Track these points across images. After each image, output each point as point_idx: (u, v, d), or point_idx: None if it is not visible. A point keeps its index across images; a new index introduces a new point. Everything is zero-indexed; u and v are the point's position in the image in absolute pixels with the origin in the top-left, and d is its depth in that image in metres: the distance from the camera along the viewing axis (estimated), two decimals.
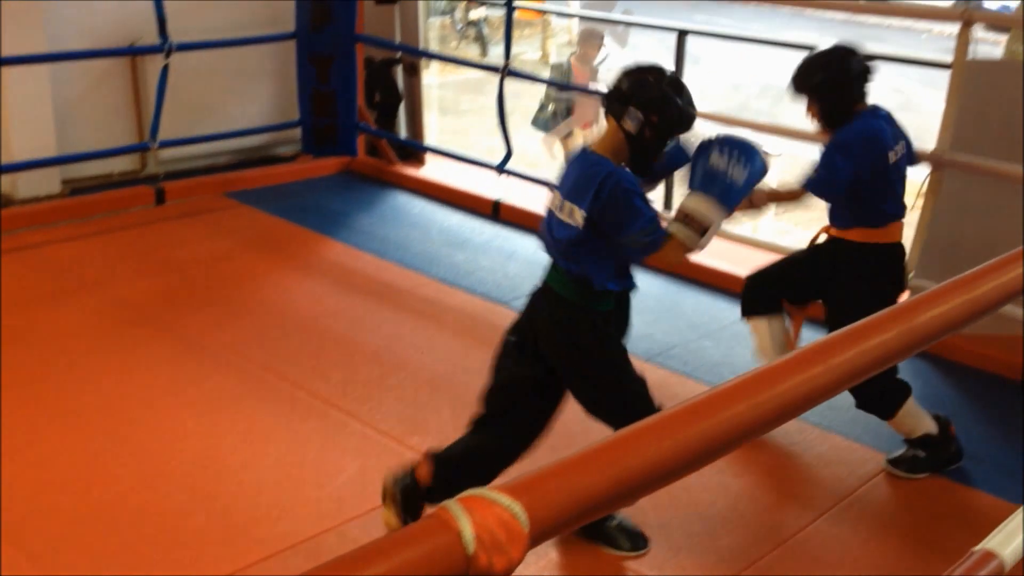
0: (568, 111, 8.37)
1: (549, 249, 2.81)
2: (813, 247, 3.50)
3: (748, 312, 3.57)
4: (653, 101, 2.62)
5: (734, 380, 0.92)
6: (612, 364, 2.84)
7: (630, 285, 2.83)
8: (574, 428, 3.54)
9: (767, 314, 3.52)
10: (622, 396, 2.85)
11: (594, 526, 2.96)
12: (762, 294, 3.54)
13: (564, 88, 8.16)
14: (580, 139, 8.51)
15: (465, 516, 0.70)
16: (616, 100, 2.66)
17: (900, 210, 3.33)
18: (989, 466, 3.46)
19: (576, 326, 2.77)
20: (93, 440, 3.37)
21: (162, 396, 3.68)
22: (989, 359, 4.09)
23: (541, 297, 2.84)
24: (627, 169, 2.68)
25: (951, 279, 1.17)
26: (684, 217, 2.64)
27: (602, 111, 2.74)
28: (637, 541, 2.96)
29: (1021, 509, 1.46)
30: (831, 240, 3.42)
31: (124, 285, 4.62)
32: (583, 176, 2.66)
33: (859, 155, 3.18)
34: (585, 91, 7.78)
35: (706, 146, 2.71)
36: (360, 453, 3.35)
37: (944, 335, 1.10)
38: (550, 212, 2.77)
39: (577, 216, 2.64)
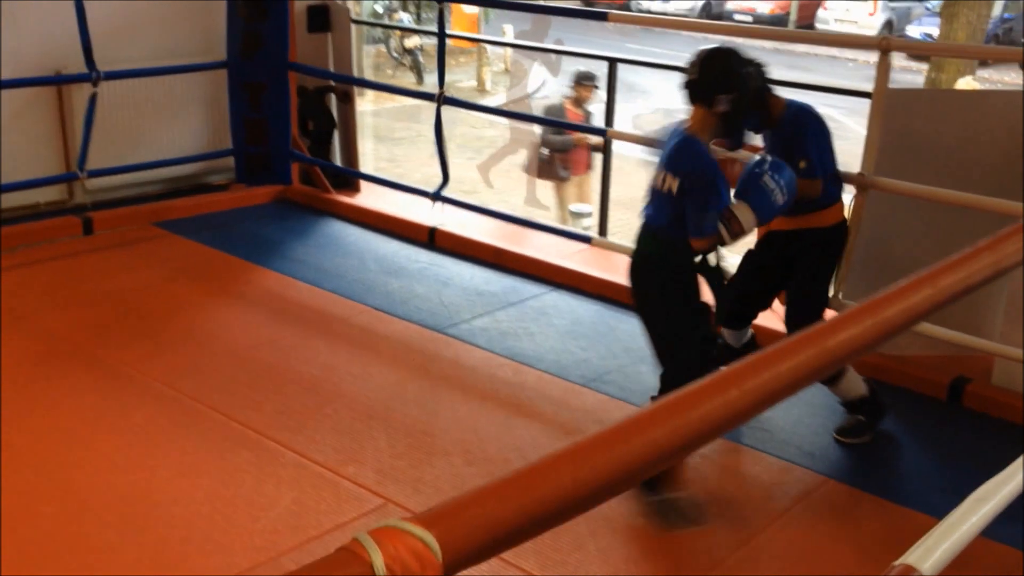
0: (564, 153, 8.25)
1: (646, 214, 3.26)
2: (763, 248, 3.74)
3: (717, 322, 3.98)
4: (737, 82, 3.09)
5: (650, 406, 0.93)
6: (678, 317, 3.25)
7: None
8: (492, 454, 3.55)
9: (732, 327, 3.94)
10: (680, 350, 3.26)
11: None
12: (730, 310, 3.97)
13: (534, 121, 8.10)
14: (573, 185, 8.48)
15: (376, 548, 0.69)
16: (704, 89, 3.10)
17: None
18: (917, 483, 3.54)
19: (655, 277, 3.24)
20: (18, 475, 3.28)
21: (90, 429, 3.60)
22: (915, 379, 4.18)
23: (636, 263, 3.31)
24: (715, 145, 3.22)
25: (860, 303, 1.20)
26: (730, 219, 3.11)
27: (687, 98, 3.18)
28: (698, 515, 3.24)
29: (941, 523, 1.49)
30: (785, 234, 3.63)
31: (51, 317, 4.52)
32: (685, 153, 3.11)
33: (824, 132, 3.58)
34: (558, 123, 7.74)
35: (761, 164, 3.20)
36: (295, 484, 3.31)
37: (855, 357, 1.14)
38: (653, 187, 3.23)
39: (672, 184, 3.10)
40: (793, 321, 3.74)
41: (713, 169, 3.12)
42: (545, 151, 8.31)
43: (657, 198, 3.21)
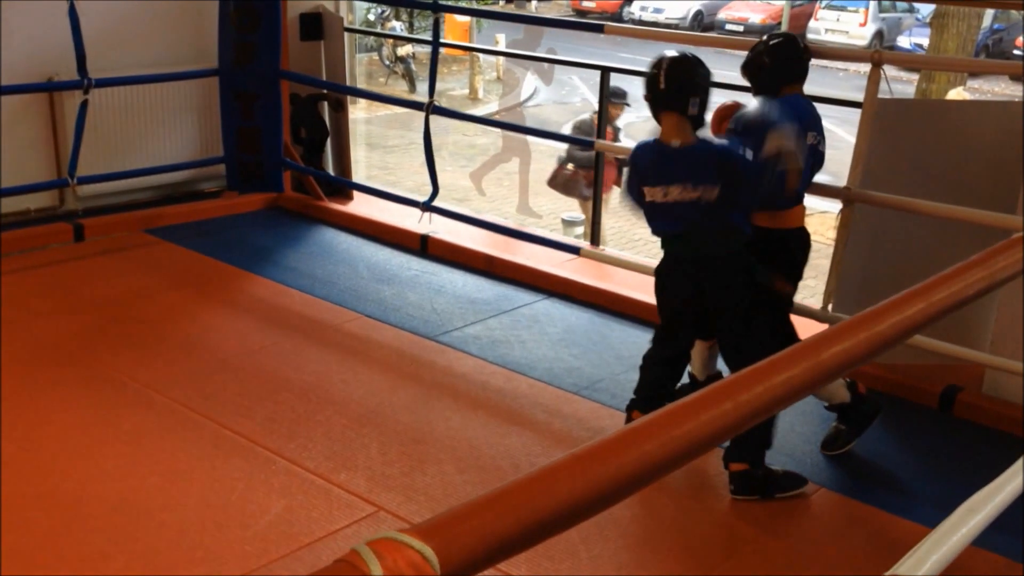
0: (589, 170, 8.13)
1: (685, 226, 3.38)
2: None
3: None
4: (700, 84, 3.27)
5: (646, 418, 0.94)
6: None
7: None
8: (483, 462, 3.55)
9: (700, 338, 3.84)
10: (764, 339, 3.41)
11: (759, 484, 3.41)
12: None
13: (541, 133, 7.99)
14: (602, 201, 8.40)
15: (375, 560, 0.70)
16: (676, 95, 3.25)
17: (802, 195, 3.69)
18: (909, 492, 3.55)
19: (735, 270, 3.39)
20: (8, 482, 3.26)
21: (80, 436, 3.59)
22: (906, 388, 4.19)
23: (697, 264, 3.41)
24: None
25: (854, 315, 1.21)
26: (781, 151, 3.26)
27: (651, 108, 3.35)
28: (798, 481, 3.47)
29: (933, 532, 1.49)
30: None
31: (41, 323, 4.51)
32: (709, 161, 3.26)
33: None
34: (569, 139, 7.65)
35: (740, 117, 3.46)
36: (286, 492, 3.31)
37: (847, 369, 1.14)
38: (670, 203, 3.32)
39: (710, 194, 3.24)
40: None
41: (734, 151, 3.29)
42: (570, 167, 8.21)
43: (692, 210, 3.30)
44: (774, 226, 3.57)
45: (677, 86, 3.26)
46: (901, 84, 17.83)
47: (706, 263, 3.40)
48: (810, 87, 3.77)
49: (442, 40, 5.64)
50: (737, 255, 3.39)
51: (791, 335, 3.68)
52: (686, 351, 3.66)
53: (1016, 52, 22.82)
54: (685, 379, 4.06)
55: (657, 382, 3.62)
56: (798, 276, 3.70)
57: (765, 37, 3.71)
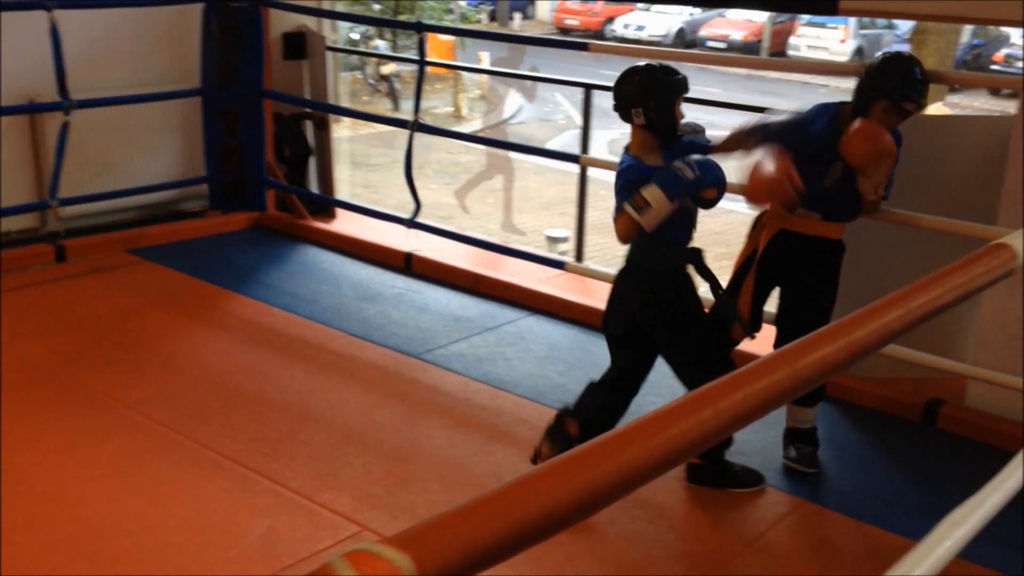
0: None
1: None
2: (770, 251, 3.60)
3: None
4: (643, 95, 3.22)
5: (625, 426, 0.94)
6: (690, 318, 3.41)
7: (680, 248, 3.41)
8: (469, 479, 3.53)
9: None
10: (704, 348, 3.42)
11: (712, 476, 3.52)
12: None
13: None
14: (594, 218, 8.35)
15: (350, 571, 0.69)
16: (621, 108, 3.28)
17: None
18: (893, 505, 3.55)
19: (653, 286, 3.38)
20: None
21: (61, 458, 3.56)
22: (889, 401, 4.21)
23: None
24: (639, 159, 3.28)
25: (832, 323, 1.22)
26: (634, 198, 3.19)
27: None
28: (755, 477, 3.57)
29: (918, 545, 1.49)
30: (797, 236, 3.57)
31: (22, 345, 4.47)
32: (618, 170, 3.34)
33: None
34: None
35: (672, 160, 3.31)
36: (269, 512, 3.28)
37: (826, 377, 1.15)
38: None
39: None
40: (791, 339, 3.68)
41: (624, 172, 3.27)
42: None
43: None
44: (826, 235, 3.57)
45: (618, 99, 3.29)
46: None
47: (626, 272, 3.44)
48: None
49: (426, 59, 5.65)
50: (647, 272, 3.37)
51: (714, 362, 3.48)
52: (630, 376, 3.52)
53: (994, 67, 23.07)
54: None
55: (595, 406, 3.53)
56: (835, 287, 3.64)
57: (873, 64, 3.56)
